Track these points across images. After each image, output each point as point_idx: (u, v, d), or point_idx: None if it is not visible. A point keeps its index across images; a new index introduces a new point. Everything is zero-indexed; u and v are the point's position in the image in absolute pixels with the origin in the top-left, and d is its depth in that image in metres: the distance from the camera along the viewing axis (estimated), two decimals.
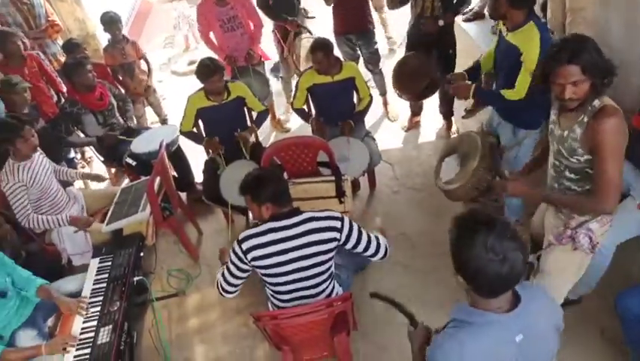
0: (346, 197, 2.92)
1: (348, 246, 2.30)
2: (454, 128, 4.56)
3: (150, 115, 5.34)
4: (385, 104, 4.98)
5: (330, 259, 2.31)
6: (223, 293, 2.39)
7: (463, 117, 3.49)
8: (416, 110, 4.70)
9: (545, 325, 1.46)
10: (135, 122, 4.73)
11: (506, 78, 2.74)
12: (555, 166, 2.16)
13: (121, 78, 4.76)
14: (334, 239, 2.24)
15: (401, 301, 1.97)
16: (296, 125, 5.06)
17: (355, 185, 3.91)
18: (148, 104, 5.17)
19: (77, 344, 2.49)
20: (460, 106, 4.28)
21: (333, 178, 3.04)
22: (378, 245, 2.37)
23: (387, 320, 2.99)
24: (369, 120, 4.24)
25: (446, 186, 2.73)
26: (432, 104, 4.57)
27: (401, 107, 4.90)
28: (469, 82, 2.88)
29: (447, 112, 4.51)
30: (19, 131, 3.07)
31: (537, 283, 2.29)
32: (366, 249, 2.34)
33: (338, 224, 2.24)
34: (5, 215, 3.26)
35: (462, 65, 3.73)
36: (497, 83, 2.96)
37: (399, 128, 4.81)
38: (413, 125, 4.73)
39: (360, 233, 2.30)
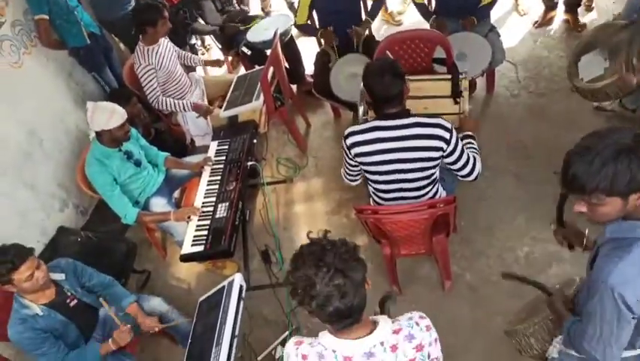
0: (462, 97, 2.75)
1: (448, 160, 2.24)
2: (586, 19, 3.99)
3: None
4: None
5: (434, 167, 2.26)
6: (346, 180, 2.54)
7: None
8: (551, 4, 4.12)
9: None
10: (249, 7, 4.74)
11: None
12: None
13: None
14: (440, 149, 2.18)
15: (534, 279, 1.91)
16: (409, 18, 4.72)
17: (472, 85, 3.65)
18: None
19: (199, 216, 2.80)
20: None
21: (449, 76, 2.86)
22: (474, 167, 2.29)
23: (488, 228, 2.96)
24: (495, 14, 3.82)
25: (592, 84, 2.44)
26: None
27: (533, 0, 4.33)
28: None
29: (573, 3, 3.92)
30: (163, 13, 3.26)
31: None
32: (462, 168, 2.27)
33: (447, 135, 2.16)
34: (138, 96, 3.58)
35: None
36: None
37: (528, 23, 4.29)
38: (546, 22, 4.18)
39: (462, 150, 2.23)
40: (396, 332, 1.36)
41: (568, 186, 1.29)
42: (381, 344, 1.33)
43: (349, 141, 2.27)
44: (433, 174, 2.31)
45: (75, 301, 2.38)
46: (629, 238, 1.29)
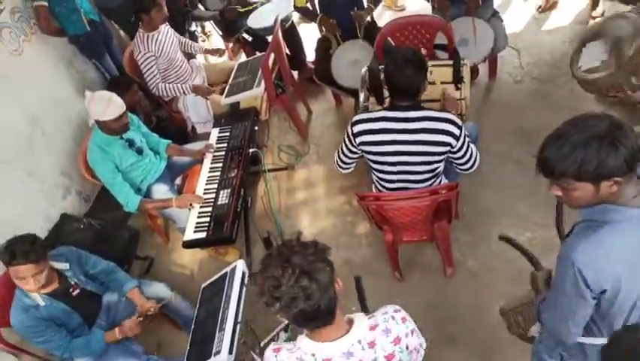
0: (464, 83, 2.73)
1: (455, 156, 2.25)
2: (599, 11, 3.92)
3: None
4: None
5: (439, 161, 2.26)
6: (338, 167, 2.52)
7: None
8: None
9: None
10: None
11: None
12: None
13: None
14: (448, 144, 2.17)
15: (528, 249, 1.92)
16: (412, 4, 4.69)
17: (474, 71, 3.63)
18: None
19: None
20: None
21: (450, 62, 2.84)
22: (475, 160, 2.30)
23: (490, 214, 2.96)
24: None
25: (587, 75, 2.43)
26: None
27: None
28: None
29: None
30: (156, 0, 3.23)
31: None
32: (466, 162, 2.29)
33: (457, 131, 2.14)
34: (138, 83, 3.57)
35: None
36: None
37: (532, 8, 4.25)
38: (550, 6, 4.14)
39: (468, 146, 2.23)
40: (372, 328, 1.36)
41: (540, 168, 1.32)
42: (359, 342, 1.33)
43: (356, 129, 2.26)
44: (437, 168, 2.31)
45: (78, 290, 2.39)
46: (599, 221, 1.30)
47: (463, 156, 2.25)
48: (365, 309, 1.99)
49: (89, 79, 3.93)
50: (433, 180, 2.36)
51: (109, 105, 2.64)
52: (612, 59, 2.35)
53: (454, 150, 2.20)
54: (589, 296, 1.32)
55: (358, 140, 2.26)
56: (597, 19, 3.87)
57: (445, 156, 2.24)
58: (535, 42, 3.95)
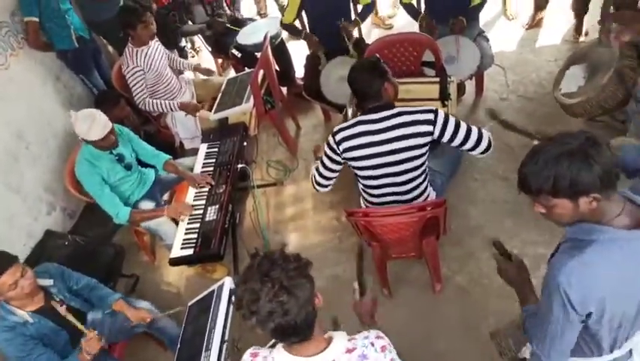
0: (450, 100, 2.77)
1: (444, 139, 2.20)
2: (583, 31, 4.01)
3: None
4: None
5: (422, 155, 2.24)
6: (317, 187, 2.50)
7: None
8: (541, 4, 4.16)
9: None
10: (240, 12, 4.74)
11: None
12: None
13: None
14: (428, 133, 2.16)
15: None
16: (400, 22, 4.76)
17: (460, 88, 3.68)
18: None
19: (188, 219, 2.77)
20: (596, 4, 3.72)
21: (437, 80, 2.87)
22: (480, 138, 2.21)
23: (478, 230, 2.97)
24: (483, 18, 3.85)
25: (565, 98, 2.47)
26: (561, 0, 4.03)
27: (522, 3, 4.36)
28: None
29: (580, 9, 3.93)
30: (141, 17, 3.24)
31: None
32: (464, 142, 2.21)
33: (431, 116, 2.15)
34: (126, 98, 3.55)
35: None
36: None
37: (517, 27, 4.34)
38: (536, 23, 4.23)
39: (457, 125, 2.18)
40: (349, 350, 1.34)
41: (520, 186, 1.33)
42: None
43: (338, 137, 2.27)
44: (422, 165, 2.29)
45: (64, 306, 2.34)
46: (585, 240, 1.29)
47: (453, 138, 2.18)
48: None
49: (76, 94, 3.90)
50: (419, 181, 2.34)
51: (92, 125, 2.59)
52: (588, 87, 2.39)
53: (438, 134, 2.17)
54: (576, 319, 1.31)
55: (341, 147, 2.27)
56: (582, 40, 3.96)
57: (427, 148, 2.22)
58: (520, 60, 4.02)
